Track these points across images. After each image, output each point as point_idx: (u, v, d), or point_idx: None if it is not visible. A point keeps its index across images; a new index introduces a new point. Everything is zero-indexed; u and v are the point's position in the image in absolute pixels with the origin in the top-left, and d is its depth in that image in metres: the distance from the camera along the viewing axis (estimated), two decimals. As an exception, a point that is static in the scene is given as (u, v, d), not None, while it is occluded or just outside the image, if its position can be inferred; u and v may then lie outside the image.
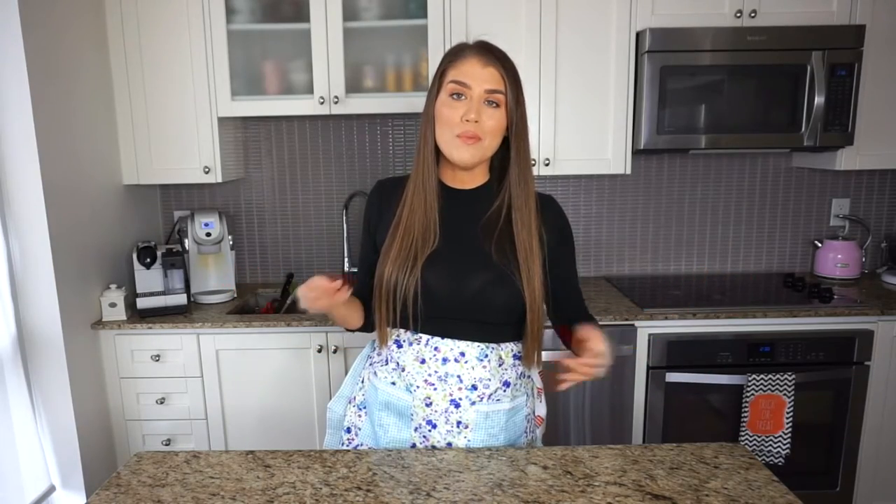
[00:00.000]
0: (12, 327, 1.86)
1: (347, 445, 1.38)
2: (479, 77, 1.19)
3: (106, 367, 2.16)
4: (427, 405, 1.23)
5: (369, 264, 1.31)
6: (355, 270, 2.26)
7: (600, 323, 2.06)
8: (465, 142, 1.20)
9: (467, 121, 1.18)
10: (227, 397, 2.19)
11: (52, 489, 1.98)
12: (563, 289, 1.34)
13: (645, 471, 1.09)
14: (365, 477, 1.08)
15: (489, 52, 1.21)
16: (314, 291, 1.13)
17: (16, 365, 1.86)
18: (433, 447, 1.23)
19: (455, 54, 1.23)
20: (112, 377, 2.17)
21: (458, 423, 1.23)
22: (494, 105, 1.20)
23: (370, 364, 1.36)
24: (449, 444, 1.23)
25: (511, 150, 1.24)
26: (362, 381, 1.39)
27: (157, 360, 2.14)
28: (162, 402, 2.17)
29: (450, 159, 1.23)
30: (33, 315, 1.92)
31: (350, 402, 1.41)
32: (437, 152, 1.26)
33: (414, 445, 1.26)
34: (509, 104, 1.21)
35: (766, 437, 2.10)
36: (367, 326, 1.37)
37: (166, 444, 2.20)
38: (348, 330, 1.37)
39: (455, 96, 1.20)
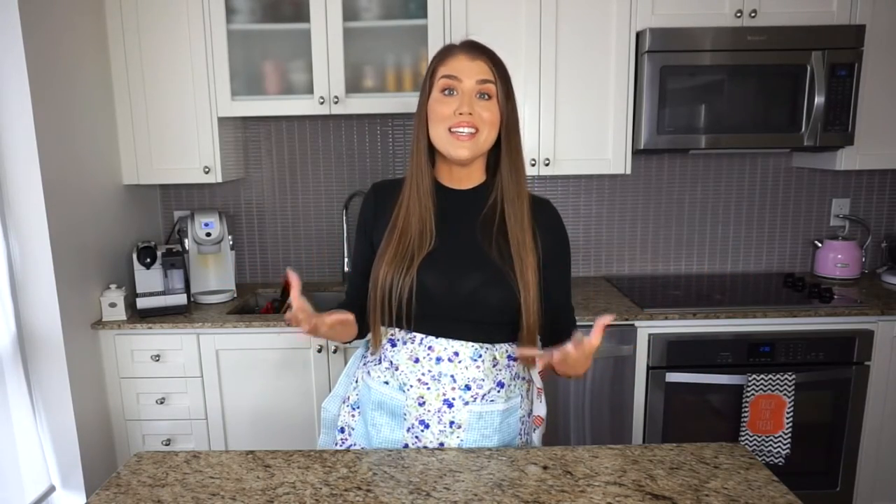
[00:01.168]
0: (12, 327, 1.86)
1: (341, 445, 1.38)
2: (468, 70, 1.20)
3: (106, 367, 2.16)
4: (420, 405, 1.22)
5: (363, 268, 1.31)
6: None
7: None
8: (458, 139, 1.20)
9: (461, 114, 1.19)
10: (226, 397, 2.19)
11: (52, 489, 1.98)
12: (551, 295, 1.28)
13: (645, 471, 1.09)
14: (365, 477, 1.08)
15: (476, 48, 1.24)
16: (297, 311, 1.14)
17: (16, 365, 1.86)
18: (425, 447, 1.23)
19: (443, 53, 1.25)
20: (112, 377, 2.17)
21: (451, 423, 1.22)
22: (486, 97, 1.22)
23: (364, 363, 1.36)
24: (441, 445, 1.23)
25: (502, 143, 1.25)
26: (356, 381, 1.39)
27: (157, 360, 2.14)
28: (162, 402, 2.17)
29: (447, 156, 1.23)
30: (33, 315, 1.92)
31: (344, 402, 1.40)
32: (432, 153, 1.26)
33: (406, 446, 1.25)
34: (500, 96, 1.22)
35: (766, 437, 2.10)
36: (363, 332, 1.33)
37: (166, 444, 2.20)
38: (343, 343, 1.35)
39: (447, 92, 1.21)
